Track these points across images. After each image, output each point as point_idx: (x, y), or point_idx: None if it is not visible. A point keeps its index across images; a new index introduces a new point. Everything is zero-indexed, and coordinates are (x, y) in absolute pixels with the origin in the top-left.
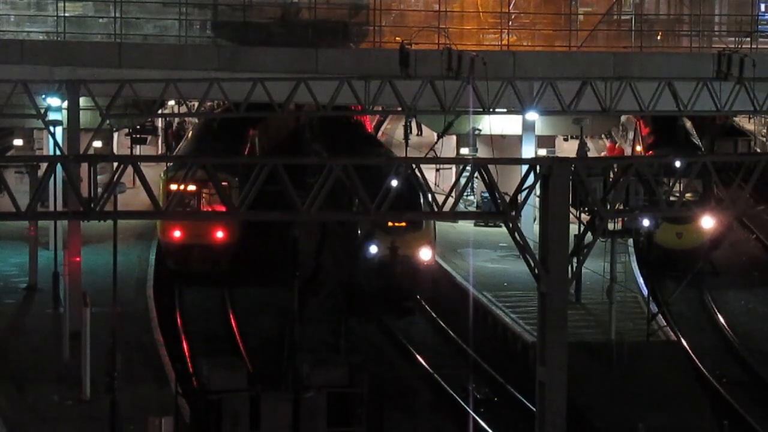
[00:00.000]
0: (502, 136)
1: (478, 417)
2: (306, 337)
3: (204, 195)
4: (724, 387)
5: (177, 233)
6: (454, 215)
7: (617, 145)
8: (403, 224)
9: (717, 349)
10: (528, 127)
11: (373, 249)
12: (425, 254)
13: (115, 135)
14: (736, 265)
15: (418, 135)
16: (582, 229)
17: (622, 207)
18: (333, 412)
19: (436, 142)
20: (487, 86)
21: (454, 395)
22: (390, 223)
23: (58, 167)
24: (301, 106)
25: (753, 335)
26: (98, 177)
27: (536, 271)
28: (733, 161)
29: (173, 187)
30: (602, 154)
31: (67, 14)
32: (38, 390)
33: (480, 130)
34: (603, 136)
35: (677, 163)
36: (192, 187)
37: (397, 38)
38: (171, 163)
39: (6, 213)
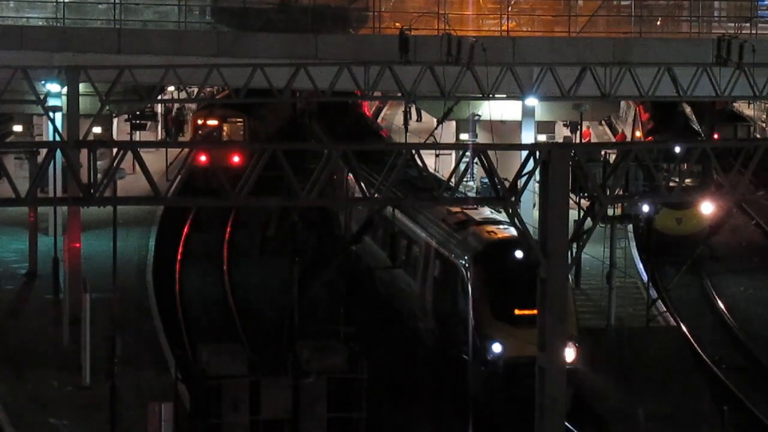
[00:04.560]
0: (502, 122)
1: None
2: (305, 322)
3: (224, 128)
4: (724, 372)
5: (203, 158)
6: (454, 201)
7: (620, 130)
8: (534, 312)
9: (716, 334)
10: (528, 112)
11: (497, 348)
12: (566, 353)
13: (115, 121)
14: (736, 251)
15: (417, 121)
16: (581, 214)
17: (621, 192)
18: (333, 398)
19: (435, 128)
20: (486, 72)
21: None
22: (517, 311)
23: (58, 153)
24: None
25: (752, 320)
26: (98, 163)
27: (537, 257)
28: (733, 147)
29: (200, 121)
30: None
31: (66, 0)
32: (38, 376)
33: (479, 116)
34: (602, 121)
35: (677, 149)
36: (215, 122)
37: (396, 24)
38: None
39: (6, 199)
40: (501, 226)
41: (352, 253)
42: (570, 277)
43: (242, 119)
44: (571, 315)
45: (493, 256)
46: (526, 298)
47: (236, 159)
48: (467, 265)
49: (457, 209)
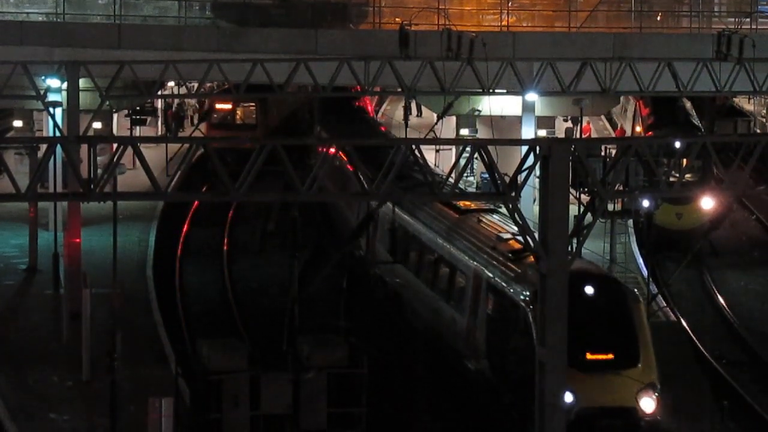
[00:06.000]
0: (502, 117)
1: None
2: (306, 317)
3: (238, 111)
4: (724, 367)
5: None
6: (454, 196)
7: (619, 126)
8: (609, 356)
9: (717, 329)
10: (528, 107)
11: (567, 398)
12: (647, 404)
13: (115, 116)
14: (736, 246)
15: (417, 116)
16: (582, 209)
17: (621, 188)
18: (333, 393)
19: (435, 123)
20: (486, 67)
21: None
22: (589, 355)
23: (58, 148)
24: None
25: (752, 315)
26: (98, 158)
27: (536, 251)
28: (733, 142)
29: (216, 105)
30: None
31: None
32: (38, 371)
33: (479, 111)
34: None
35: (677, 144)
36: (228, 106)
37: (396, 19)
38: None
39: (6, 194)
40: None
41: (379, 279)
42: (644, 316)
43: (255, 103)
44: (651, 361)
45: None
46: (599, 340)
47: None
48: (529, 302)
49: (509, 235)
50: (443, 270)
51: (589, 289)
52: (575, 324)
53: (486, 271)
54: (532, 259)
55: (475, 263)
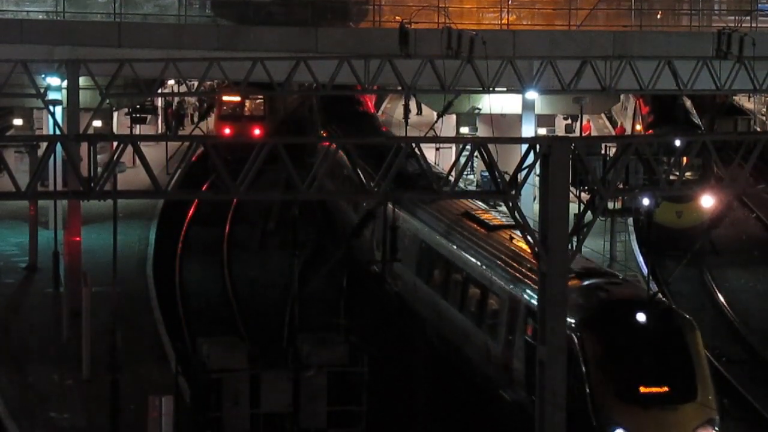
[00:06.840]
0: (502, 115)
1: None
2: (306, 315)
3: (246, 104)
4: (724, 365)
5: (227, 130)
6: (454, 194)
7: (619, 124)
8: (664, 389)
9: (717, 327)
10: (528, 106)
11: None
12: None
13: (115, 114)
14: (736, 244)
15: (417, 114)
16: (582, 208)
17: (621, 186)
18: (333, 392)
19: (435, 122)
20: (486, 65)
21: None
22: (642, 389)
23: (58, 147)
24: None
25: (753, 314)
26: (98, 156)
27: (536, 250)
28: (733, 140)
29: (224, 99)
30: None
31: None
32: (38, 370)
33: (480, 109)
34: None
35: (677, 142)
36: (237, 99)
37: (396, 17)
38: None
39: (6, 193)
40: (610, 279)
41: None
42: (701, 345)
43: (263, 96)
44: (710, 394)
45: (611, 321)
46: (654, 372)
47: (257, 132)
48: (577, 330)
49: None
50: (473, 291)
51: (640, 317)
52: (627, 355)
53: (524, 295)
54: (575, 282)
55: (511, 285)
